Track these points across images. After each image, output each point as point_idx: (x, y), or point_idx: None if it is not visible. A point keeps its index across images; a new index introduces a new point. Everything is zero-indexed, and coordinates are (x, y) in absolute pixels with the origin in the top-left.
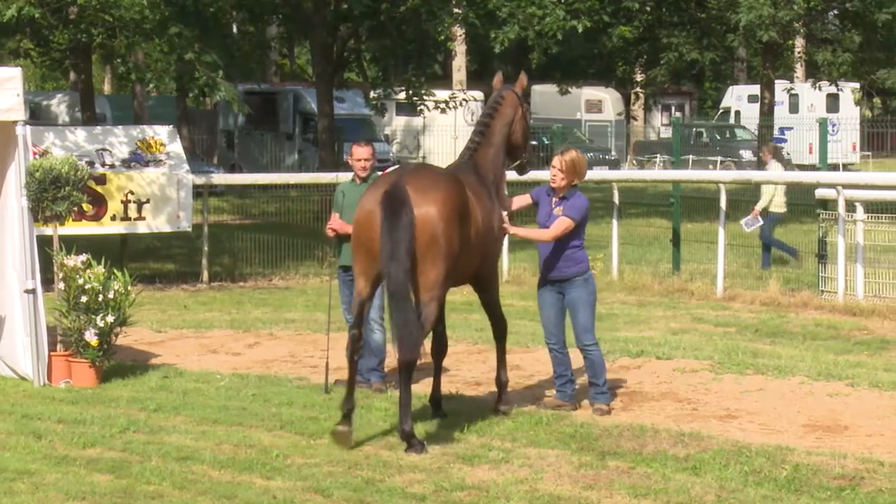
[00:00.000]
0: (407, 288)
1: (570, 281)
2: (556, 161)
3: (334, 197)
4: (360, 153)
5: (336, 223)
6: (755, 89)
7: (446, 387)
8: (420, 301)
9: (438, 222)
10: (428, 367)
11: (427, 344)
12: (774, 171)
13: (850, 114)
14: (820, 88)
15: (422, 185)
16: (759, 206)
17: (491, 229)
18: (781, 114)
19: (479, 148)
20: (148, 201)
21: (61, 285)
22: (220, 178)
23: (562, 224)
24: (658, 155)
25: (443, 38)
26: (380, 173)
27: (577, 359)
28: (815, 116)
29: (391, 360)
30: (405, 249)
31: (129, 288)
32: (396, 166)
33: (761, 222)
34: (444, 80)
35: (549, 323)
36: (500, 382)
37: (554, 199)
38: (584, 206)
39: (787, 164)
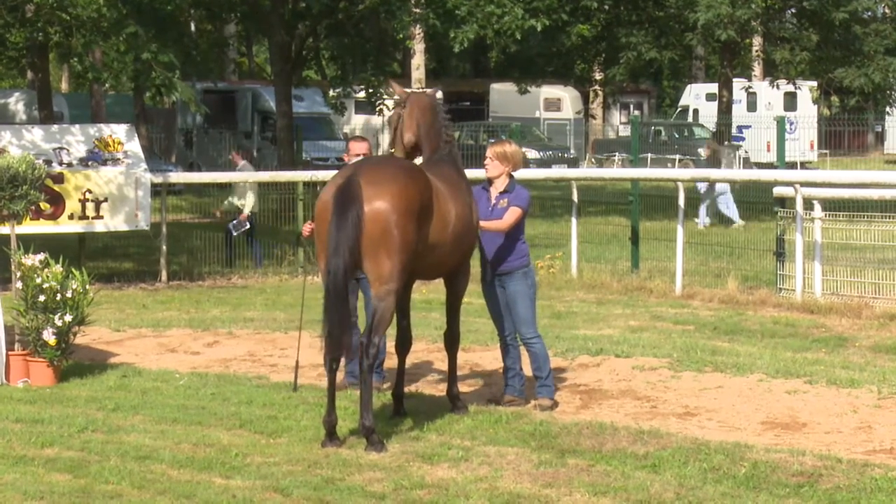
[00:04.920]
0: (345, 286)
1: (511, 274)
2: (488, 151)
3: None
4: (358, 148)
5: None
6: (713, 88)
7: (405, 385)
8: (375, 295)
9: (391, 216)
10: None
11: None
12: None
13: (808, 112)
14: (778, 87)
15: (377, 177)
16: (246, 211)
17: (469, 223)
18: (739, 112)
19: (453, 142)
20: (106, 200)
21: (19, 284)
22: (179, 176)
23: (514, 214)
24: (617, 153)
25: (401, 36)
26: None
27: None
28: (773, 115)
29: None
30: (348, 247)
31: (88, 287)
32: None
33: (247, 226)
34: (403, 79)
35: (500, 316)
36: (452, 395)
37: (494, 194)
38: (528, 197)
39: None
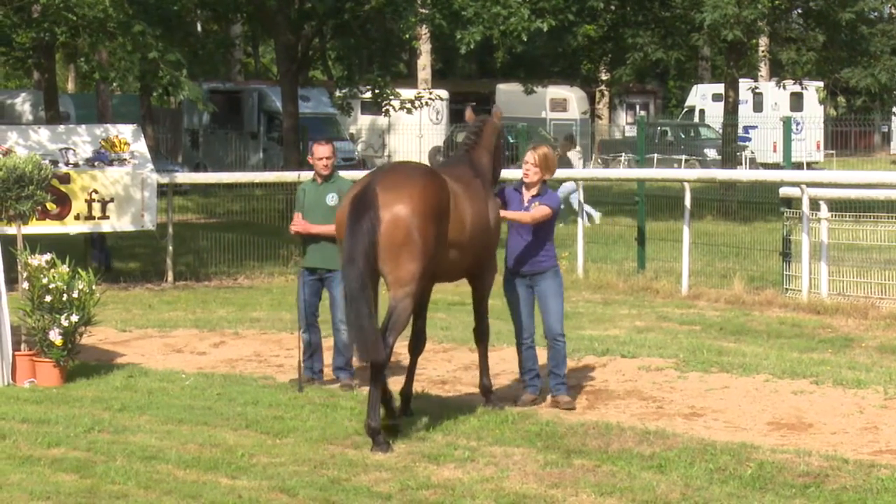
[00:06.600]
0: (363, 292)
1: (543, 274)
2: (529, 156)
3: (296, 196)
4: (321, 152)
5: (300, 224)
6: (719, 88)
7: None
8: (393, 297)
9: (411, 219)
10: (397, 364)
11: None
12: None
13: (815, 112)
14: (784, 87)
15: (394, 183)
16: None
17: (486, 221)
18: (746, 112)
19: (474, 146)
20: (112, 200)
21: (25, 285)
22: (185, 177)
23: (542, 210)
24: (623, 153)
25: (407, 36)
26: (340, 172)
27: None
28: (780, 115)
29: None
30: (362, 252)
31: (94, 287)
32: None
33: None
34: (409, 79)
35: (524, 319)
36: (484, 387)
37: (527, 197)
38: (559, 199)
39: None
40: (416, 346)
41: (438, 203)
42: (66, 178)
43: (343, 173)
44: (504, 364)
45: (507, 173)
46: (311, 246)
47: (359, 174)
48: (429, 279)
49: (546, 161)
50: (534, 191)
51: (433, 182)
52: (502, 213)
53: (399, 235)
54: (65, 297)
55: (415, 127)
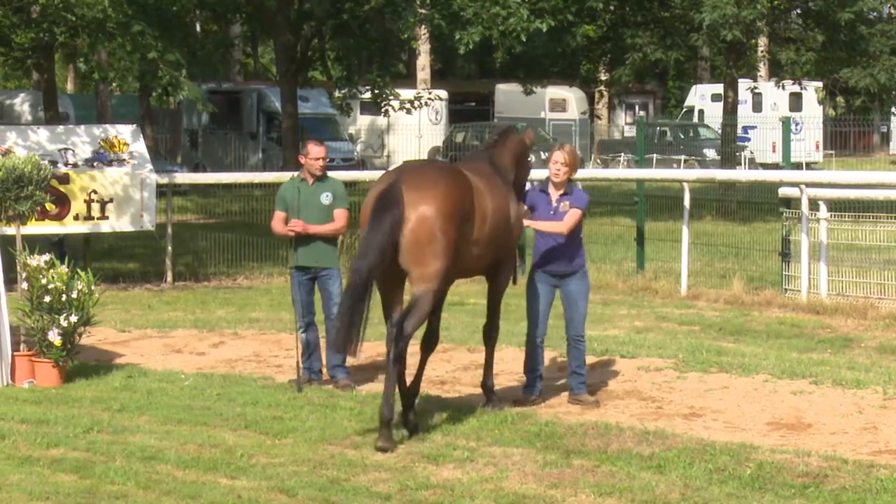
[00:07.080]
0: (365, 290)
1: (574, 274)
2: (558, 155)
3: (280, 194)
4: (318, 152)
5: (298, 225)
6: (719, 88)
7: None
8: (416, 291)
9: (435, 219)
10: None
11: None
12: None
13: (814, 112)
14: (783, 87)
15: (419, 182)
16: None
17: (506, 219)
18: (745, 112)
19: (496, 146)
20: (111, 201)
21: (24, 285)
22: (184, 177)
23: (575, 216)
24: (622, 154)
25: (406, 37)
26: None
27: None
28: (779, 115)
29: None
30: (378, 247)
31: (93, 287)
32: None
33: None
34: (409, 79)
35: (541, 318)
36: (487, 387)
37: (555, 197)
38: (587, 198)
39: None
40: (429, 344)
41: (463, 203)
42: (65, 179)
43: (343, 174)
44: (503, 364)
45: None
46: (304, 245)
47: (361, 174)
48: (450, 276)
49: (574, 159)
50: (561, 189)
51: (458, 182)
52: (536, 224)
53: (424, 234)
54: (64, 297)
55: (414, 127)
